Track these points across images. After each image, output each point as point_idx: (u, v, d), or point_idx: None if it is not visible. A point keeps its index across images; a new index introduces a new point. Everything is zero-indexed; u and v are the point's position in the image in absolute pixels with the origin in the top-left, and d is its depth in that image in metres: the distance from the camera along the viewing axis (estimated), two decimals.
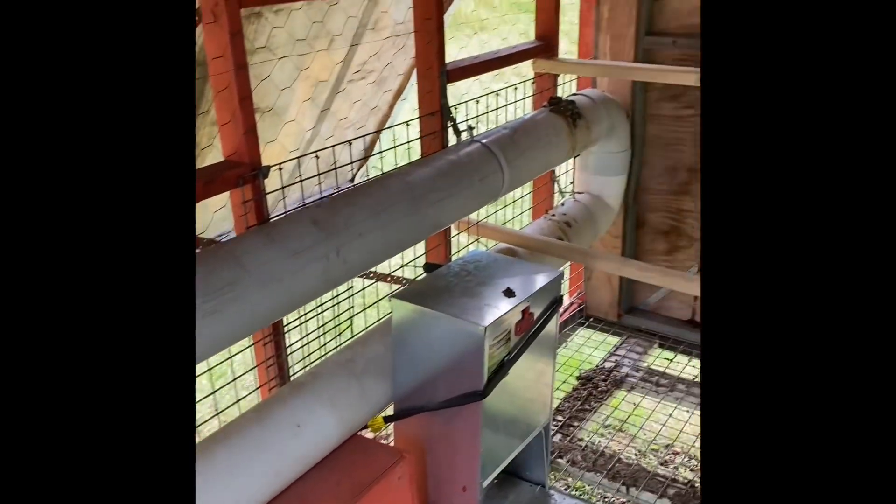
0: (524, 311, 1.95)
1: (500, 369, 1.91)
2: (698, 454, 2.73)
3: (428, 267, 2.27)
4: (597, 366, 3.22)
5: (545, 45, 2.81)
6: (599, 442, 2.77)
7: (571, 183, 3.24)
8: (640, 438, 2.81)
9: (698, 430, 2.83)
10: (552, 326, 2.12)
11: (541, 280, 2.03)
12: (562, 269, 2.77)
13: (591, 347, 3.35)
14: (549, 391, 2.26)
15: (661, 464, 2.75)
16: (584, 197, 3.06)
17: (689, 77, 2.49)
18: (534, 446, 2.27)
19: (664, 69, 2.69)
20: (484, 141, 2.32)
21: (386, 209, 1.91)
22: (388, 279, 2.49)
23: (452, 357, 1.90)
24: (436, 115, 2.33)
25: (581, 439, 2.78)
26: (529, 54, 2.74)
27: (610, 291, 3.47)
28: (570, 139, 2.61)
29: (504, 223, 2.88)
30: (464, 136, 2.37)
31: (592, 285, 3.52)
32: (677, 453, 2.80)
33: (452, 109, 2.36)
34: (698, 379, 3.09)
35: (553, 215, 2.90)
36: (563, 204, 3.03)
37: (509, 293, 1.95)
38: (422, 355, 1.95)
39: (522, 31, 2.89)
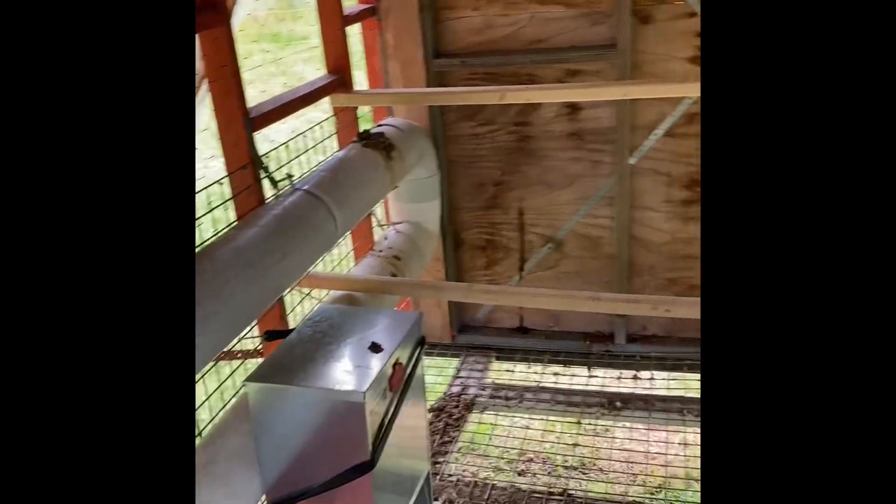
0: (395, 365, 1.82)
1: (382, 432, 1.76)
2: (569, 461, 2.78)
3: (270, 335, 2.05)
4: (445, 393, 3.16)
5: (339, 78, 2.69)
6: (470, 472, 2.71)
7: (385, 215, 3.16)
8: (505, 458, 2.80)
9: (561, 435, 2.89)
10: (420, 370, 2.01)
11: (403, 326, 1.91)
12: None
13: (433, 375, 3.29)
14: (425, 436, 2.14)
15: (532, 475, 2.76)
16: (404, 227, 2.99)
17: (493, 96, 2.53)
18: (418, 497, 2.14)
19: (470, 91, 2.71)
20: (306, 187, 2.15)
21: (224, 283, 1.67)
22: (224, 357, 2.21)
23: (331, 431, 1.71)
24: (247, 168, 2.11)
25: (451, 475, 2.70)
26: (327, 90, 2.60)
27: (441, 314, 3.44)
28: (388, 172, 2.52)
29: (332, 269, 2.71)
30: (282, 185, 2.18)
31: (422, 311, 3.45)
32: (542, 462, 2.83)
33: (264, 159, 2.16)
34: (541, 384, 3.16)
35: (380, 251, 2.79)
36: (385, 238, 2.93)
37: (376, 348, 1.81)
38: (293, 437, 1.74)
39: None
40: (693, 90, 2.61)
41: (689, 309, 2.14)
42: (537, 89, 2.60)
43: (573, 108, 3.01)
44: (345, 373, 1.72)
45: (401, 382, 1.87)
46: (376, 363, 1.75)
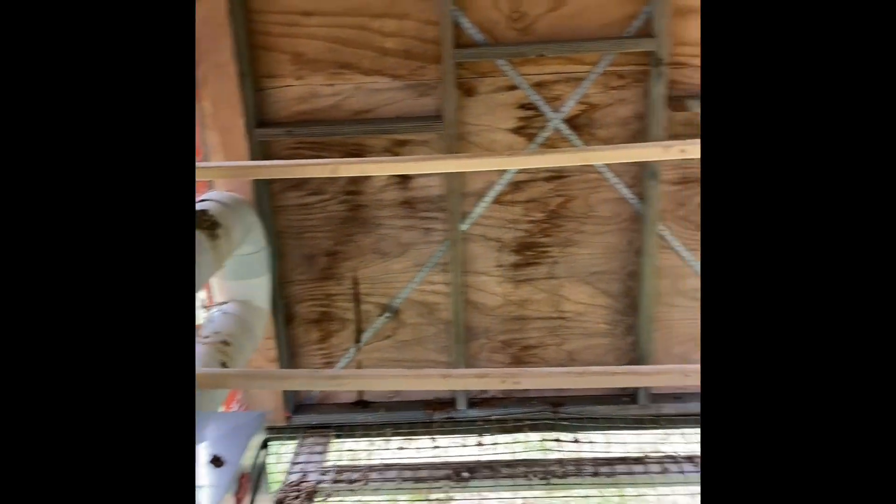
0: (241, 478, 1.64)
1: None
2: None
3: None
4: (283, 483, 2.94)
5: None
6: None
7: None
8: None
9: None
10: (264, 475, 1.83)
11: (246, 431, 1.73)
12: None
13: (270, 463, 3.05)
14: None
15: None
16: (231, 307, 2.77)
17: (326, 169, 2.43)
18: None
19: (301, 164, 2.59)
20: None
21: None
22: None
23: None
24: None
25: None
26: None
27: (273, 395, 3.22)
28: (213, 252, 2.32)
29: None
30: None
31: (252, 393, 3.22)
32: None
33: None
34: (386, 461, 3.04)
35: (207, 337, 2.55)
36: (210, 321, 2.69)
37: (217, 462, 1.61)
38: None
39: None
40: (520, 163, 2.70)
41: (536, 381, 2.15)
42: (371, 162, 2.56)
43: (404, 177, 3.00)
44: None
45: (246, 494, 1.69)
46: (220, 480, 1.56)
